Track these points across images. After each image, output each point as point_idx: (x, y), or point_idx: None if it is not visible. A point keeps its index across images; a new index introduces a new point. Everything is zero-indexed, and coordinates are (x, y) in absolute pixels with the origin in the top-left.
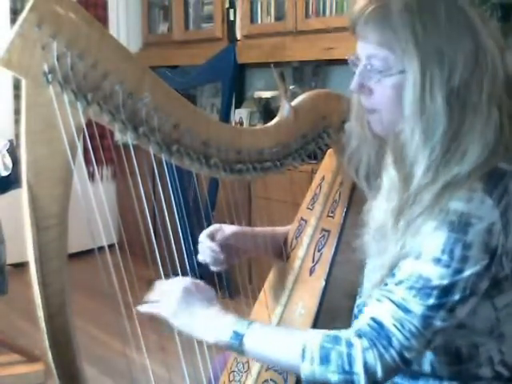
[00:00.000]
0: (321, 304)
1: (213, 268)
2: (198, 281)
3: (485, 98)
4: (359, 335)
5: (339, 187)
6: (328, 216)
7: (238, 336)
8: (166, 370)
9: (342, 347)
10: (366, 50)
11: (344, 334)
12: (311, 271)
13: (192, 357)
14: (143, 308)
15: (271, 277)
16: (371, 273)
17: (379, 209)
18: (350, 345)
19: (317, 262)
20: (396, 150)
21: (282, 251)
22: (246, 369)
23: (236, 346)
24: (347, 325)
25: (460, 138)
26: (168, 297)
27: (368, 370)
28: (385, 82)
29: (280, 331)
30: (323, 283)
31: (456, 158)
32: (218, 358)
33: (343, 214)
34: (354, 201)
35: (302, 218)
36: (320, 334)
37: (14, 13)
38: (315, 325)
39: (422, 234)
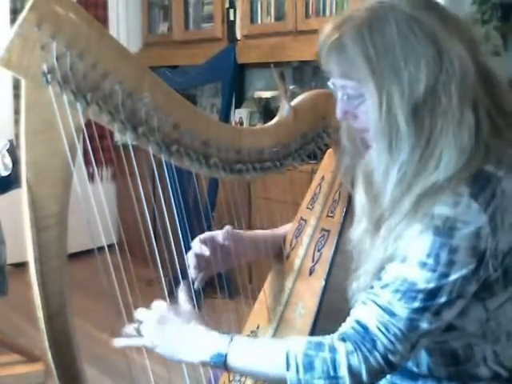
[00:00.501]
0: (321, 304)
1: (194, 274)
2: (174, 304)
3: (455, 102)
4: (343, 339)
5: (339, 187)
6: (328, 216)
7: (221, 356)
8: (166, 370)
9: (325, 353)
10: (336, 81)
11: (327, 339)
12: (311, 271)
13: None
14: (119, 342)
15: (271, 277)
16: (357, 278)
17: (354, 232)
18: (333, 350)
19: (317, 262)
20: (366, 173)
21: (275, 253)
22: None
23: (220, 365)
24: None
25: (433, 146)
26: (144, 329)
27: (353, 373)
28: (362, 108)
29: (262, 343)
30: (323, 283)
31: (431, 166)
32: None
33: (343, 213)
34: (354, 201)
35: (301, 218)
36: (302, 342)
37: (14, 13)
38: (315, 325)
39: (407, 238)
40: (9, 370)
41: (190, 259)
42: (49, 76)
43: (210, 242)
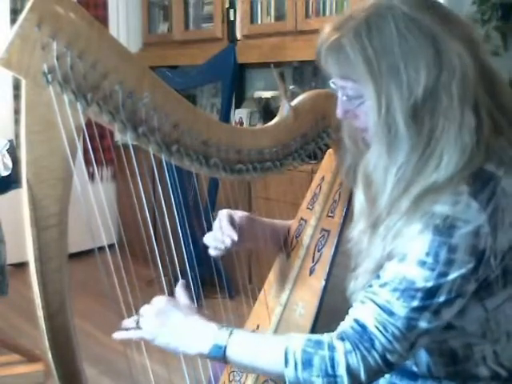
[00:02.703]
0: (321, 304)
1: (214, 252)
2: (172, 298)
3: (456, 102)
4: (342, 338)
5: (339, 187)
6: (328, 216)
7: (220, 349)
8: (166, 370)
9: (324, 351)
10: (336, 81)
11: (326, 337)
12: (311, 271)
13: (192, 357)
14: (119, 336)
15: (271, 277)
16: (355, 278)
17: (353, 231)
18: (332, 348)
19: (317, 262)
20: (365, 173)
21: (280, 243)
22: None
23: (219, 358)
24: None
25: (434, 146)
26: (143, 321)
27: (351, 373)
28: (362, 109)
29: (261, 338)
30: (323, 283)
31: (432, 166)
32: None
33: (343, 213)
34: (354, 201)
35: (301, 218)
36: (302, 339)
37: (14, 13)
38: (315, 325)
39: (406, 236)
40: (9, 369)
41: (225, 227)
42: (49, 76)
43: (232, 222)
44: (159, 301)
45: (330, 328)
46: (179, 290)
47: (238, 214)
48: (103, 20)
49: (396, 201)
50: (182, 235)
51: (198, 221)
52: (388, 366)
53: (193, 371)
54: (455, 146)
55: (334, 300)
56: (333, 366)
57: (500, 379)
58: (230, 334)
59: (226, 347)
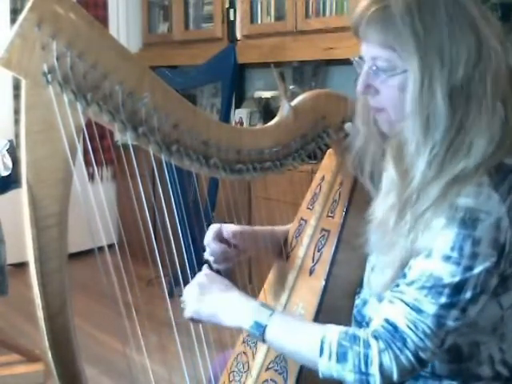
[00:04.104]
0: (321, 304)
1: (217, 266)
2: (212, 272)
3: (489, 93)
4: (375, 337)
5: (339, 187)
6: (328, 216)
7: (260, 327)
8: (166, 370)
9: (359, 347)
10: (370, 51)
11: (362, 333)
12: (311, 271)
13: (192, 357)
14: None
15: (271, 277)
16: (379, 270)
17: (379, 207)
18: (367, 345)
19: (317, 262)
20: (397, 147)
21: (281, 250)
22: (246, 369)
23: (257, 336)
24: (347, 325)
25: (465, 133)
26: (187, 296)
27: (384, 372)
28: (390, 82)
29: (300, 324)
30: (323, 283)
31: (462, 152)
32: (217, 358)
33: (343, 213)
34: (354, 201)
35: (301, 218)
36: (337, 331)
37: (14, 13)
38: None
39: (432, 231)
40: (9, 369)
41: (209, 256)
42: (49, 76)
43: (220, 237)
44: (199, 276)
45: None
46: (206, 269)
47: (231, 230)
48: (103, 20)
49: (428, 185)
50: (182, 235)
51: (198, 221)
52: (421, 364)
53: (193, 371)
54: (485, 134)
55: (334, 300)
56: (366, 364)
57: (501, 379)
58: (271, 314)
59: (266, 326)
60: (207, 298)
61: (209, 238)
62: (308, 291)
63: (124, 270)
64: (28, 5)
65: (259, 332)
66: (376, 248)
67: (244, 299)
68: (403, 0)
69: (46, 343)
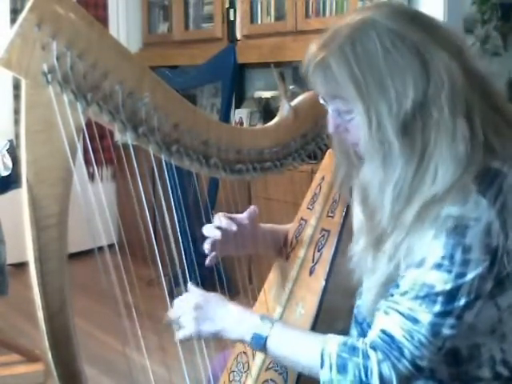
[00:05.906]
0: (321, 304)
1: (208, 261)
2: (201, 292)
3: (447, 113)
4: (373, 347)
5: None
6: (328, 216)
7: (261, 338)
8: (166, 370)
9: (358, 358)
10: (325, 98)
11: (361, 344)
12: (311, 271)
13: (192, 357)
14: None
15: (271, 277)
16: (366, 289)
17: (354, 248)
18: (366, 356)
19: (317, 262)
20: (362, 190)
21: (281, 248)
22: (245, 369)
23: (259, 347)
24: (347, 325)
25: (429, 159)
26: (184, 320)
27: (384, 381)
28: (353, 123)
29: (301, 336)
30: (323, 283)
31: (429, 180)
32: (217, 358)
33: (343, 213)
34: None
35: (302, 218)
36: (337, 343)
37: (14, 13)
38: (315, 325)
39: (420, 246)
40: (9, 369)
41: (210, 231)
42: (49, 76)
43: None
44: (193, 296)
45: (330, 328)
46: (191, 286)
47: (246, 213)
48: (103, 20)
49: (399, 215)
50: (182, 235)
51: (198, 221)
52: (419, 371)
53: (193, 371)
54: (450, 157)
55: (334, 300)
56: (366, 374)
57: (501, 379)
58: (272, 325)
59: (267, 338)
60: (207, 319)
61: (221, 214)
62: (308, 291)
63: (124, 270)
64: (28, 5)
65: (260, 344)
66: (364, 270)
67: (243, 313)
68: (338, 47)
69: (46, 343)
